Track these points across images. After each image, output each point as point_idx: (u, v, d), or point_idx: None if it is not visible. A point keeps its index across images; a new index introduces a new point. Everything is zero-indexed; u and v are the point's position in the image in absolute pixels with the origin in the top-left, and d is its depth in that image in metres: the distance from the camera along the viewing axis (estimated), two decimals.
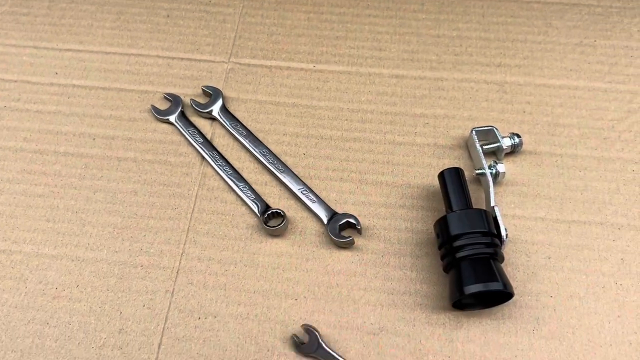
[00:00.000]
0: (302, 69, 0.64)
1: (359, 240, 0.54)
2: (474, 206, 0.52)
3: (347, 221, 0.53)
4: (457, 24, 0.66)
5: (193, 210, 0.56)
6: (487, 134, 0.57)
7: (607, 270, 0.51)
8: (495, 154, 0.57)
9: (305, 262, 0.53)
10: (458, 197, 0.51)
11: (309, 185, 0.57)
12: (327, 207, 0.55)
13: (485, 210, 0.50)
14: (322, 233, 0.54)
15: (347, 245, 0.53)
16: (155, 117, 0.61)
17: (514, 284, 0.50)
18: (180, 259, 0.53)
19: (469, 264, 0.47)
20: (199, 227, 0.55)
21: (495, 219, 0.50)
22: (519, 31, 0.65)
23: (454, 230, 0.48)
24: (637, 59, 0.63)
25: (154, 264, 0.53)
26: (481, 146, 0.55)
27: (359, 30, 0.67)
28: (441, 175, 0.53)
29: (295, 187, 0.56)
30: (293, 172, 0.57)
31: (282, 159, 0.58)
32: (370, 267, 0.52)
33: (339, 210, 0.55)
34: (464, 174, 0.53)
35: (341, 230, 0.53)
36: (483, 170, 0.53)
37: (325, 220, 0.54)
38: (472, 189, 0.54)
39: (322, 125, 0.60)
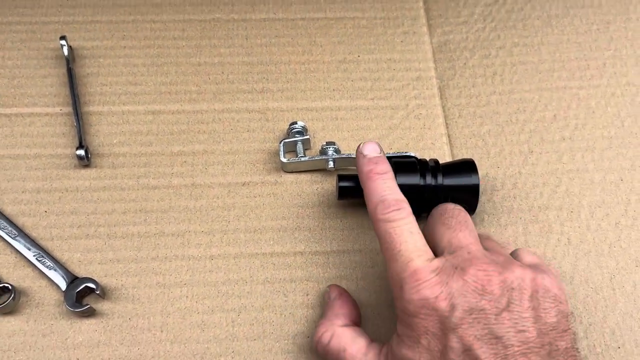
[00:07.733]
0: (47, 114, 0.58)
1: (104, 305, 0.49)
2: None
3: (86, 286, 0.48)
4: (219, 50, 0.63)
5: None
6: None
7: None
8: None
9: (42, 339, 0.48)
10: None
11: (49, 247, 0.51)
12: (67, 272, 0.50)
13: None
14: (63, 302, 0.49)
15: (88, 314, 0.48)
16: None
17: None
18: None
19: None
20: None
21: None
22: (283, 52, 0.63)
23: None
24: (399, 72, 0.62)
25: None
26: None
27: (113, 65, 0.61)
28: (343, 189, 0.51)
29: (29, 254, 0.50)
30: (28, 236, 0.51)
31: (20, 220, 0.52)
32: (115, 334, 0.48)
33: (83, 273, 0.50)
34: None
35: (81, 297, 0.48)
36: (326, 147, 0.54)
37: (63, 288, 0.49)
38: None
39: (67, 176, 0.55)
